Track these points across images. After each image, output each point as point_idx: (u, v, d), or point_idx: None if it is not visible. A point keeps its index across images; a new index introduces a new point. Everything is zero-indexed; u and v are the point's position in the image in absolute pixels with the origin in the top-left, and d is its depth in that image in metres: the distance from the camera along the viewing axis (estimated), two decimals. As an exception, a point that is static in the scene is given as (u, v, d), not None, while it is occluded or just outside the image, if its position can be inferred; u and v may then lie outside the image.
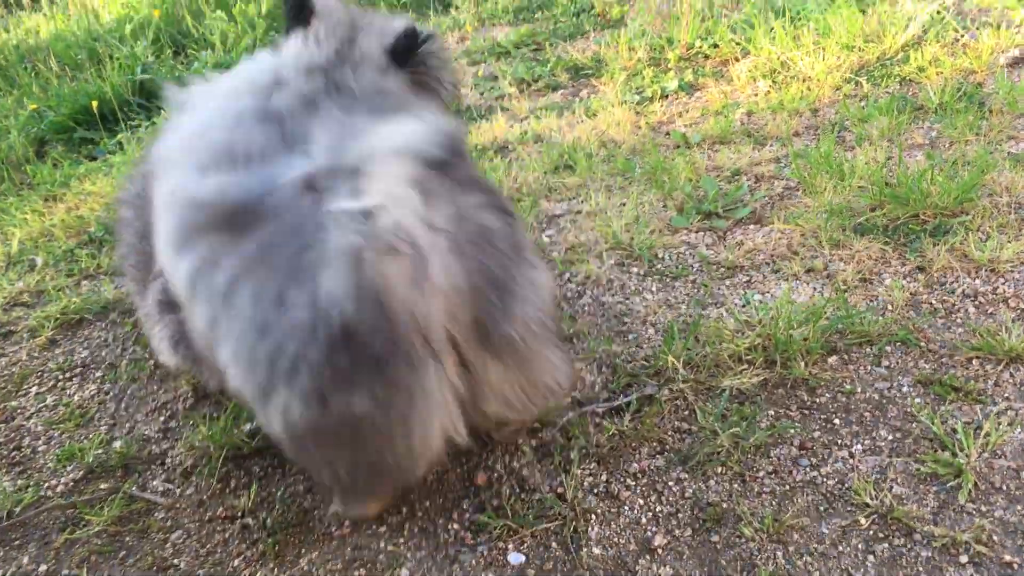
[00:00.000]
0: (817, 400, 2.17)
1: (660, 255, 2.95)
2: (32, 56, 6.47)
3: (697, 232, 3.04)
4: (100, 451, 2.56)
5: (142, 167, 2.75)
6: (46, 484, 2.46)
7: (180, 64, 5.83)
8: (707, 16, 4.93)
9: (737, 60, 4.40)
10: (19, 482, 2.49)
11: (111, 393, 2.84)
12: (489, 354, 1.68)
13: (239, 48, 5.93)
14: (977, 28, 4.12)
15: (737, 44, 4.52)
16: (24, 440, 2.69)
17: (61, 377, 2.99)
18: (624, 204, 3.31)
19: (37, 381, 3.00)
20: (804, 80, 4.02)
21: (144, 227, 2.51)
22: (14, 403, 2.89)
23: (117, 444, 2.56)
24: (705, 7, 5.01)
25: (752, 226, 3.00)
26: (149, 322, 2.60)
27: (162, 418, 2.66)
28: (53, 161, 4.84)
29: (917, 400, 2.11)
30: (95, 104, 4.99)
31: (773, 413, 2.14)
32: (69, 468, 2.51)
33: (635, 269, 2.90)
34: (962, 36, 4.08)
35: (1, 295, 3.58)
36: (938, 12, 4.26)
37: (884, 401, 2.13)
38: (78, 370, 3.02)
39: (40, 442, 2.66)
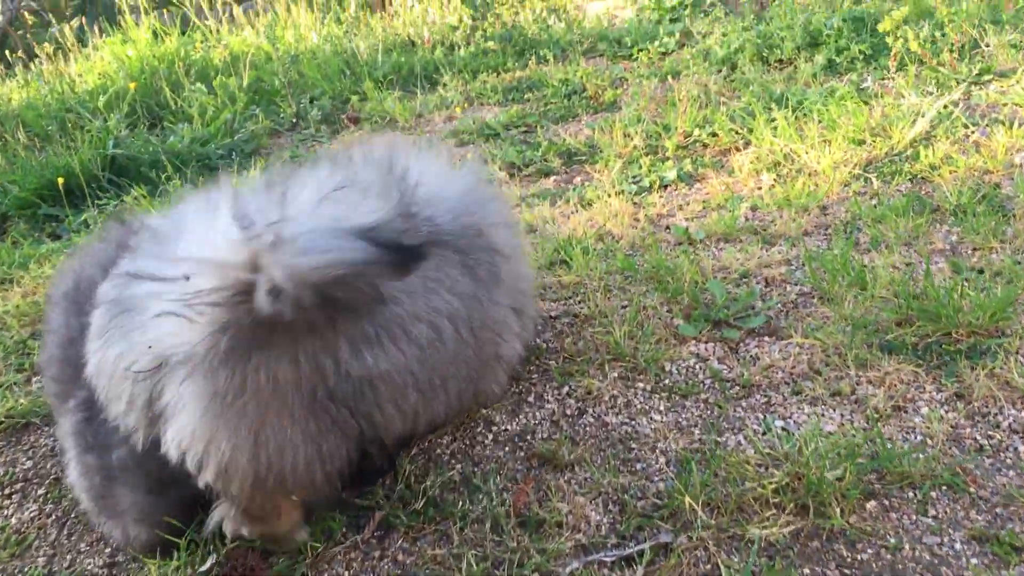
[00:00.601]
0: (859, 557, 1.90)
1: (667, 368, 2.70)
2: (1, 125, 6.22)
3: (707, 343, 2.80)
4: (34, 592, 2.25)
5: (75, 260, 2.52)
6: (-34, 637, 2.14)
7: (155, 137, 5.60)
8: (704, 103, 4.77)
9: (738, 150, 4.22)
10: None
11: (53, 516, 2.53)
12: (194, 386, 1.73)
13: (218, 122, 5.72)
14: (987, 125, 3.97)
15: (737, 133, 4.35)
16: (-51, 572, 2.36)
17: (-1, 493, 2.68)
18: (625, 307, 3.07)
19: (-28, 497, 2.68)
20: (810, 174, 3.83)
21: (72, 332, 2.28)
22: (-57, 524, 2.57)
23: (53, 585, 2.25)
24: (702, 93, 4.86)
25: (767, 338, 2.76)
26: (67, 447, 2.32)
27: (108, 550, 2.35)
28: (13, 240, 4.56)
29: (974, 561, 1.85)
30: (61, 180, 4.73)
31: (809, 573, 1.87)
32: (-5, 615, 2.20)
33: (640, 384, 2.65)
34: (972, 133, 3.92)
35: (-59, 392, 3.27)
36: (946, 107, 4.11)
37: (935, 561, 1.86)
38: (19, 485, 2.70)
39: (-33, 575, 2.34)
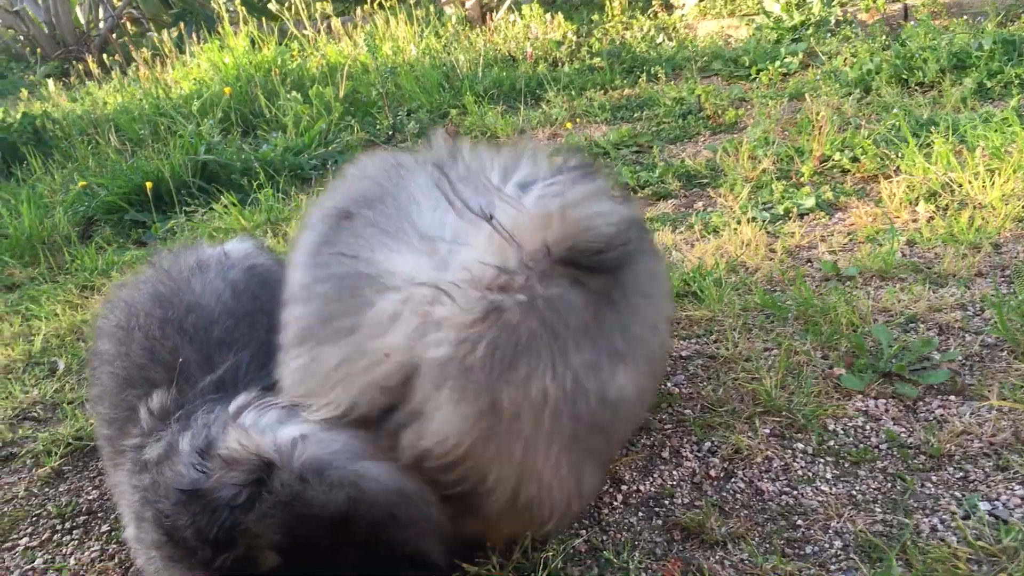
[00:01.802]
0: None
1: (831, 427, 2.27)
2: (94, 128, 6.09)
3: (876, 398, 2.36)
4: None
5: (127, 290, 2.33)
6: None
7: (248, 145, 5.37)
8: (841, 126, 4.33)
9: (886, 177, 3.76)
10: None
11: (116, 559, 2.22)
12: (454, 397, 1.52)
13: (312, 132, 5.47)
14: None
15: (883, 159, 3.89)
16: (-4, 620, 2.06)
17: (59, 528, 2.38)
18: (771, 351, 2.65)
19: (30, 529, 2.40)
20: (976, 207, 3.36)
21: (130, 369, 2.04)
22: (-4, 559, 2.28)
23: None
24: (835, 116, 4.41)
25: (952, 397, 2.31)
26: (119, 499, 1.99)
27: (174, 609, 2.01)
28: (97, 245, 4.35)
29: None
30: (149, 185, 4.51)
31: None
32: None
33: (800, 444, 2.23)
34: None
35: (11, 404, 3.02)
36: None
37: None
38: (81, 519, 2.40)
39: (16, 626, 2.04)
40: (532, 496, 1.67)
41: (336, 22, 8.21)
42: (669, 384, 2.57)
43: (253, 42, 7.11)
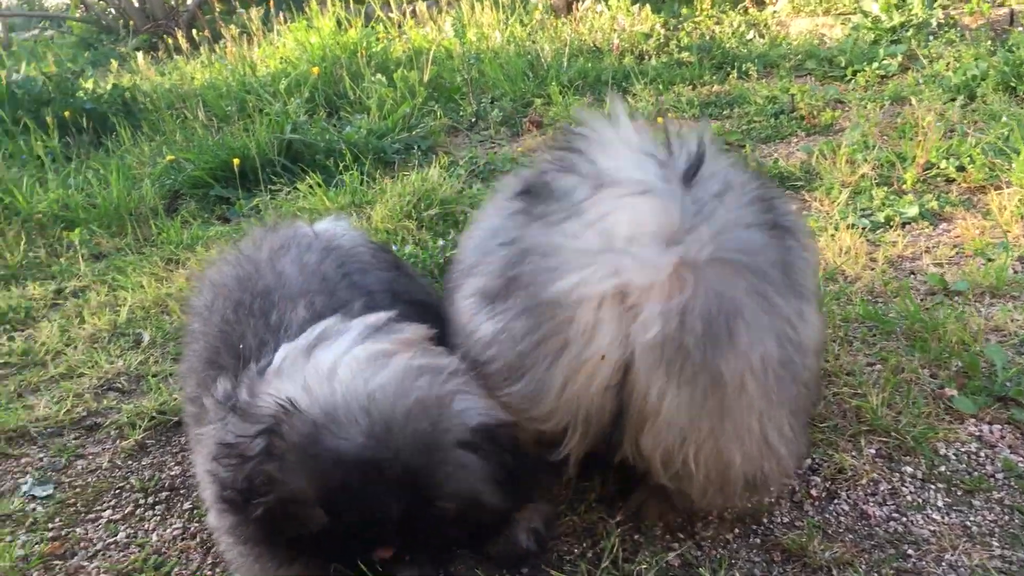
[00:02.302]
0: None
1: (942, 452, 2.15)
2: (182, 103, 6.16)
3: (991, 424, 2.23)
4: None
5: (214, 271, 2.38)
6: None
7: (332, 126, 5.36)
8: (946, 133, 4.15)
9: (996, 189, 3.58)
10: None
11: (198, 538, 2.20)
12: (676, 380, 1.52)
13: (396, 115, 5.44)
14: None
15: (992, 169, 3.71)
16: (79, 592, 2.06)
17: (142, 502, 2.38)
18: (874, 366, 2.53)
19: (113, 502, 2.39)
20: (1095, 225, 3.18)
21: (209, 350, 2.07)
22: (79, 531, 2.28)
23: (192, 632, 1.91)
24: (938, 122, 4.23)
25: (1076, 428, 2.18)
26: (202, 481, 1.99)
27: (257, 592, 1.98)
28: (183, 219, 4.37)
29: None
30: (236, 161, 4.53)
31: None
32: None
33: (908, 468, 2.11)
34: None
35: (96, 374, 3.03)
36: None
37: None
38: (163, 495, 2.40)
39: (98, 599, 2.03)
40: (757, 467, 1.67)
41: (421, 6, 8.19)
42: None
43: (339, 23, 7.11)
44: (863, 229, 3.46)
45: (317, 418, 1.54)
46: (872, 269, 3.14)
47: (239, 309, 2.11)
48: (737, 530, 1.99)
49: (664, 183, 1.55)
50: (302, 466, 1.55)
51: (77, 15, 9.74)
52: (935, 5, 6.52)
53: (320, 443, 1.53)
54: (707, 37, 6.77)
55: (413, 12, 8.13)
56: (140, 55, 7.85)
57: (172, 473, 2.49)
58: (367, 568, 1.65)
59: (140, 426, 2.70)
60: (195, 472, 2.20)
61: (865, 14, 6.61)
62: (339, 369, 1.63)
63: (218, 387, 1.90)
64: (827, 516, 2.00)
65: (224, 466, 1.66)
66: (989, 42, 5.62)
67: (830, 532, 1.94)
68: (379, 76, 6.04)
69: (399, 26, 7.79)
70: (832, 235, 3.37)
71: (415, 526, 1.60)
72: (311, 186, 4.33)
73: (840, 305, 2.90)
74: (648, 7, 7.59)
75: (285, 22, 7.79)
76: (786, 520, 2.00)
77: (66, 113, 5.61)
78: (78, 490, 2.46)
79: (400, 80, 5.99)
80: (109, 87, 6.48)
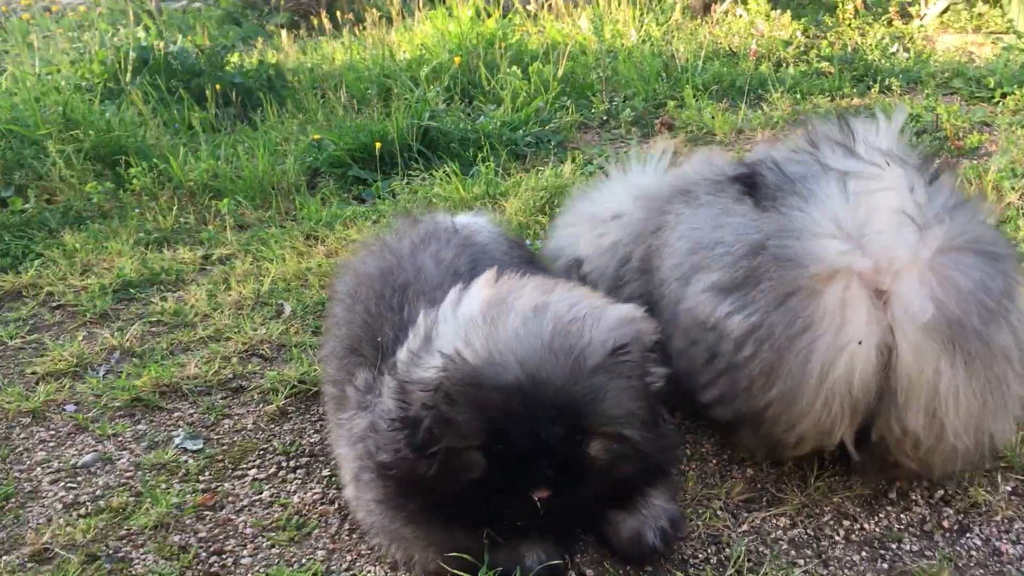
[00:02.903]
0: None
1: (1082, 496, 2.12)
2: (323, 83, 6.37)
3: None
4: (311, 589, 2.04)
5: (357, 260, 2.58)
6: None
7: (466, 115, 5.48)
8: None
9: None
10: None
11: (336, 504, 2.33)
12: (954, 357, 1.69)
13: (529, 109, 5.53)
14: None
15: None
16: (228, 543, 2.21)
17: (284, 464, 2.53)
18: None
19: (258, 461, 2.56)
20: None
21: (351, 338, 2.26)
22: (227, 486, 2.45)
23: (332, 588, 2.03)
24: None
25: None
26: (340, 459, 2.20)
27: (391, 559, 2.10)
28: (322, 197, 4.56)
29: None
30: (378, 144, 4.68)
31: None
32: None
33: (1045, 509, 2.08)
34: None
35: (241, 339, 3.21)
36: None
37: None
38: (304, 460, 2.54)
39: (245, 551, 2.18)
40: (1006, 438, 1.97)
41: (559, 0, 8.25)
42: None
43: (478, 12, 7.23)
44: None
45: (478, 360, 1.70)
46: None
47: (380, 302, 2.24)
48: (864, 553, 2.00)
49: (908, 185, 1.73)
50: (470, 405, 1.70)
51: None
52: (1096, 28, 6.24)
53: (483, 381, 1.69)
54: (849, 48, 6.62)
55: (550, 5, 8.19)
56: (284, 33, 8.12)
57: (311, 440, 2.64)
58: (517, 528, 1.83)
59: (282, 392, 2.85)
60: (333, 449, 2.35)
61: (1018, 35, 6.36)
62: (486, 314, 1.78)
63: (359, 377, 2.05)
64: (958, 548, 1.99)
65: (386, 438, 1.80)
66: None
67: (960, 565, 1.94)
68: (514, 68, 6.13)
69: (535, 18, 7.87)
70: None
71: (568, 467, 1.74)
72: (447, 174, 4.45)
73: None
74: (788, 13, 7.46)
75: (423, 7, 7.95)
76: (915, 548, 2.01)
77: (217, 86, 5.87)
78: (225, 447, 2.62)
79: (535, 74, 6.07)
80: (255, 62, 6.75)
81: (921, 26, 7.47)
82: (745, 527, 2.09)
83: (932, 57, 6.49)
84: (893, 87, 5.81)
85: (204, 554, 2.17)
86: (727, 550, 2.01)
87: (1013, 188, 3.88)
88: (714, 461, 2.37)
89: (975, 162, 4.33)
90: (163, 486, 2.43)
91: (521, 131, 5.28)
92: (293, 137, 5.36)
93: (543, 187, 4.17)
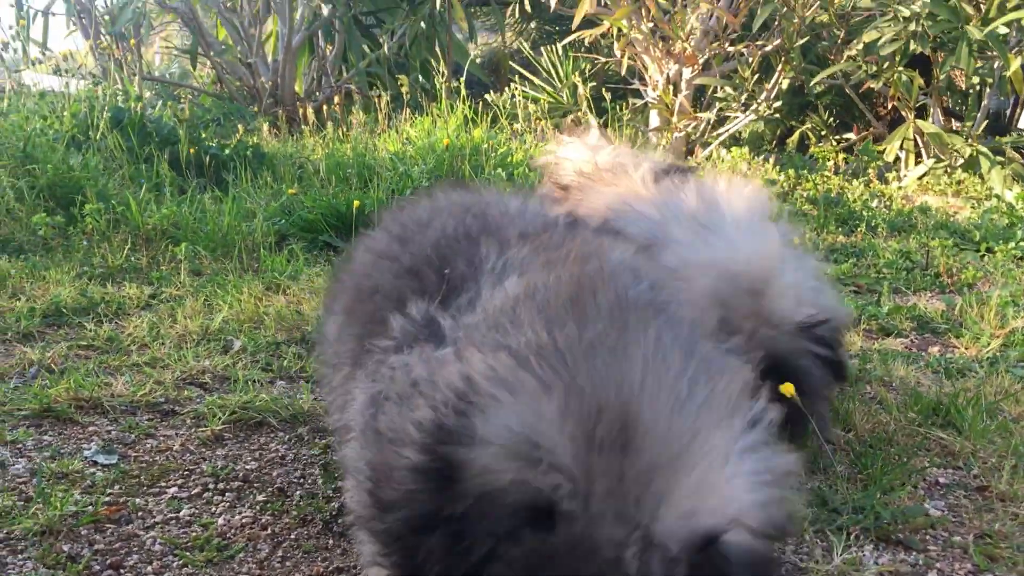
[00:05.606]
0: None
1: None
2: (302, 166, 6.20)
3: None
4: (226, 615, 1.63)
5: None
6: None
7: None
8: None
9: None
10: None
11: (269, 530, 1.93)
12: None
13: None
14: None
15: None
16: (130, 558, 1.80)
17: (212, 487, 2.13)
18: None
19: (180, 481, 2.15)
20: None
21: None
22: (139, 501, 2.03)
23: (254, 612, 1.62)
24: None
25: None
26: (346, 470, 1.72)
27: (328, 594, 1.70)
28: (290, 253, 4.25)
29: None
30: (356, 204, 4.43)
31: None
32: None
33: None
34: None
35: (181, 368, 2.83)
36: None
37: None
38: (236, 484, 2.14)
39: (150, 568, 1.76)
40: None
41: (548, 126, 8.27)
42: (929, 506, 2.14)
43: (467, 120, 7.16)
44: (1019, 379, 3.13)
45: None
46: (1035, 412, 2.81)
47: (458, 227, 1.83)
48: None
49: None
50: None
51: (212, 90, 10.14)
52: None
53: None
54: (833, 193, 6.60)
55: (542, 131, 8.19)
56: (266, 126, 8.00)
57: (247, 467, 2.24)
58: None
59: (220, 418, 2.47)
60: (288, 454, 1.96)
61: (998, 198, 6.39)
62: None
63: (412, 305, 1.57)
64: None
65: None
66: None
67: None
68: (499, 171, 6.00)
69: (521, 135, 7.84)
70: (982, 378, 3.07)
71: None
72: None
73: (1002, 436, 2.57)
74: (771, 161, 7.50)
75: (413, 115, 7.89)
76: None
77: (191, 150, 5.63)
78: (144, 465, 2.22)
79: (520, 177, 5.94)
80: (234, 143, 6.55)
81: (900, 187, 7.52)
82: None
83: (913, 213, 6.45)
84: (880, 229, 5.73)
85: (97, 567, 1.75)
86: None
87: (1015, 316, 3.70)
88: None
89: (977, 293, 4.15)
90: (60, 495, 2.01)
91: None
92: (265, 200, 5.09)
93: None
